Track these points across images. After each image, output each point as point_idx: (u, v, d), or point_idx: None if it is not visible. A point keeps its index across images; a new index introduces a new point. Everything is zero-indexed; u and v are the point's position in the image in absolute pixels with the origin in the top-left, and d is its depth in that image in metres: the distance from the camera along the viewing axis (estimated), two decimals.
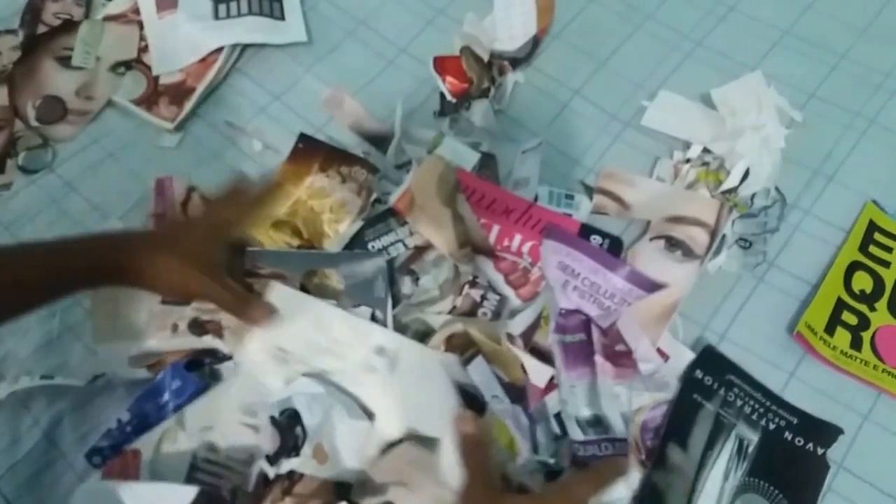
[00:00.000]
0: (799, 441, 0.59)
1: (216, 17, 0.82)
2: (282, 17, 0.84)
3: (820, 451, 0.59)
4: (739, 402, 0.61)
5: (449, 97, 0.77)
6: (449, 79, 0.77)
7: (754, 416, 0.60)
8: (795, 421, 0.60)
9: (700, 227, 0.67)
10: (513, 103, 0.79)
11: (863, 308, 0.66)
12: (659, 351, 0.62)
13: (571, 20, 0.84)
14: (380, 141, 0.75)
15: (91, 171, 0.76)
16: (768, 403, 0.61)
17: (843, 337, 0.65)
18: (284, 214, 0.69)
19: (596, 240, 0.68)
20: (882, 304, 0.67)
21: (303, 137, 0.73)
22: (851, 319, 0.66)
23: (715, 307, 0.66)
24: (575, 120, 0.77)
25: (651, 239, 0.67)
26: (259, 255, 0.66)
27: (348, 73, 0.81)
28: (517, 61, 0.80)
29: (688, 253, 0.66)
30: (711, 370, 0.62)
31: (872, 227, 0.70)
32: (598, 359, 0.60)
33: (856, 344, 0.64)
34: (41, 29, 0.84)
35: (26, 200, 0.75)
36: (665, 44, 0.82)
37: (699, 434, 0.59)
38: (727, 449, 0.59)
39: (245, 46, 0.83)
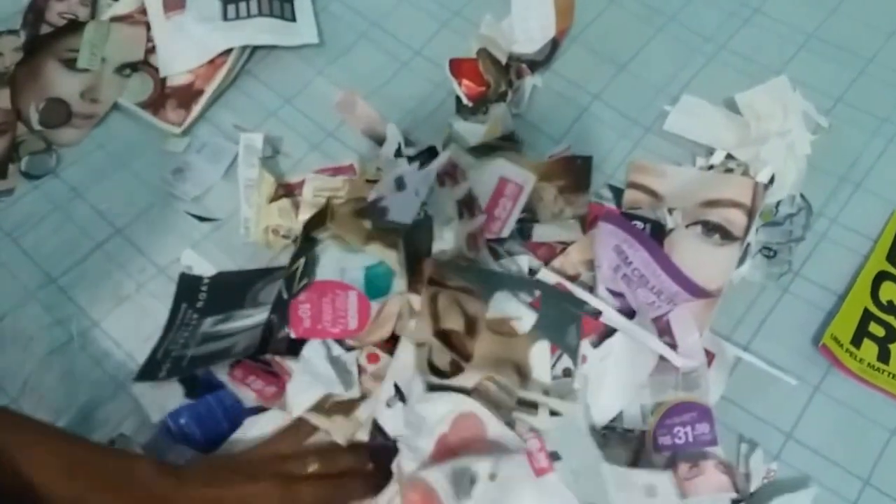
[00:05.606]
0: None
1: (225, 18, 0.80)
2: (293, 19, 0.82)
3: None
4: None
5: (465, 101, 0.75)
6: (465, 82, 0.75)
7: None
8: None
9: (737, 208, 0.65)
10: (531, 107, 0.77)
11: (890, 319, 0.65)
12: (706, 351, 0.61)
13: (591, 22, 0.83)
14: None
15: (96, 176, 0.74)
16: None
17: (870, 349, 0.63)
18: None
19: (638, 225, 0.66)
20: None
21: None
22: (879, 331, 0.64)
23: (738, 318, 0.65)
24: (595, 125, 0.76)
25: (687, 226, 0.66)
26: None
27: (361, 75, 0.80)
28: (535, 64, 0.78)
29: (726, 236, 0.64)
30: None
31: None
32: None
33: (883, 356, 0.63)
34: (45, 29, 0.82)
35: (29, 206, 0.73)
36: (687, 47, 0.81)
37: None
38: None
39: (255, 48, 0.81)
